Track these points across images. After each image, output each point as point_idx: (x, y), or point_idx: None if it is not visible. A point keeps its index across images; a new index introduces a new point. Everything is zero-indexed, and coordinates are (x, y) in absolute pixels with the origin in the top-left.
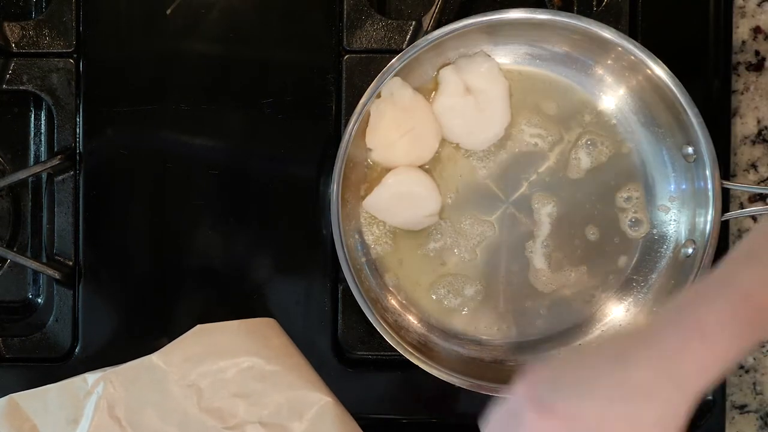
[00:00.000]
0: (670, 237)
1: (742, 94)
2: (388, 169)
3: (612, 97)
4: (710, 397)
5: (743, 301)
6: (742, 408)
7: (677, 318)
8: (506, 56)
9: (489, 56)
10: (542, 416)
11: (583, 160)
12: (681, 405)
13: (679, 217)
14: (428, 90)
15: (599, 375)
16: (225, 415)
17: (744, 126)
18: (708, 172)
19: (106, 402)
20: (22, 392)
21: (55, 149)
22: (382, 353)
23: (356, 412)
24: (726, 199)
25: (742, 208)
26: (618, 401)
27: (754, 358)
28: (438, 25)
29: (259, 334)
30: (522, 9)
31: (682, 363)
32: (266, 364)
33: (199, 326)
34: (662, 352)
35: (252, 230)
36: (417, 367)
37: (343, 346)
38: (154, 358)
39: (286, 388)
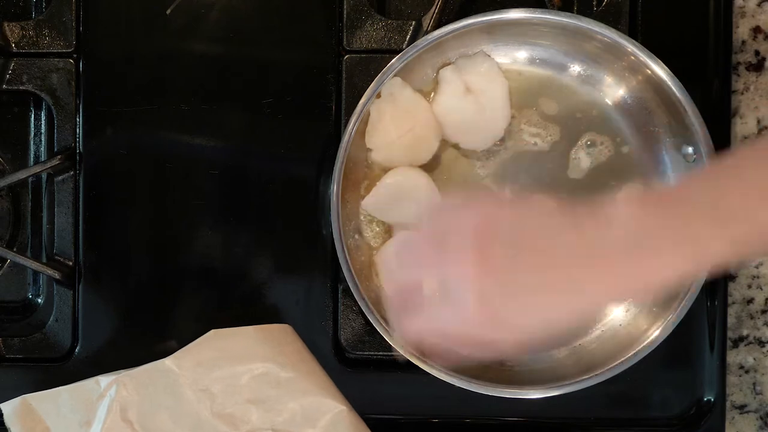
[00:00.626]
0: None
1: (742, 94)
2: (388, 169)
3: (612, 97)
4: (710, 397)
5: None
6: (742, 408)
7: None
8: (506, 56)
9: (489, 56)
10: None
11: (583, 160)
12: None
13: None
14: (428, 90)
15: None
16: (237, 421)
17: (744, 126)
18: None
19: (119, 405)
20: (35, 393)
21: (55, 149)
22: (382, 353)
23: (356, 412)
24: None
25: None
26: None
27: (754, 358)
28: (438, 25)
29: (274, 340)
30: (522, 9)
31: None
32: (281, 370)
33: (213, 331)
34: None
35: (252, 230)
36: (417, 367)
37: (343, 346)
38: (168, 361)
39: (300, 395)
